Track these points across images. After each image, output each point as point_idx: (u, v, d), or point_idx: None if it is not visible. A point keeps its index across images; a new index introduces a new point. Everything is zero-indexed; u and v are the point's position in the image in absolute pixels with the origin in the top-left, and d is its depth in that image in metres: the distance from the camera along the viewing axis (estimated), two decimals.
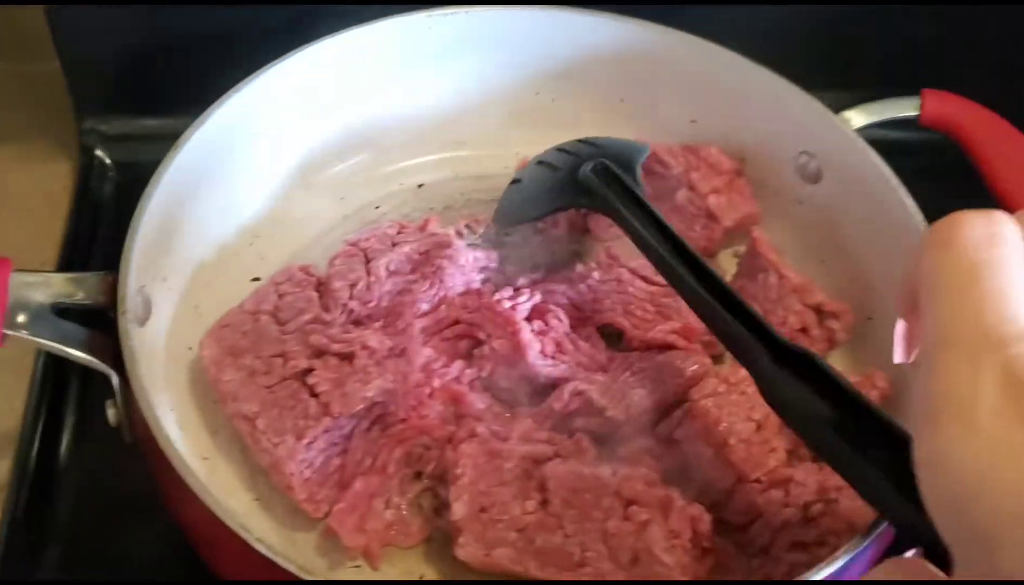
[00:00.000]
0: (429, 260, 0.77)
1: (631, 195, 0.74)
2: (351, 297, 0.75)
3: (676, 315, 0.77)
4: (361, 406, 0.69)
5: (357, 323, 0.75)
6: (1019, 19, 0.94)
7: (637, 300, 0.78)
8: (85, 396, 0.80)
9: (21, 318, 0.64)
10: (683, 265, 0.68)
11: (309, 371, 0.70)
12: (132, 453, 0.68)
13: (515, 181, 0.81)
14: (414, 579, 0.69)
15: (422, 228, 0.79)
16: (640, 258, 0.78)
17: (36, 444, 0.77)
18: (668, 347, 0.76)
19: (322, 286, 0.75)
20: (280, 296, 0.74)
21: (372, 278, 0.75)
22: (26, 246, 0.87)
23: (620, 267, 0.79)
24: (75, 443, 0.79)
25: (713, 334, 0.67)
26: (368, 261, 0.76)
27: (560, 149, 0.81)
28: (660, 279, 0.78)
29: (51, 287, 0.67)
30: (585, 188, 0.76)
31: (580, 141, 0.81)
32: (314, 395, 0.69)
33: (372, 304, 0.75)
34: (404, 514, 0.71)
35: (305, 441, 0.67)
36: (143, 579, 0.71)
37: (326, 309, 0.74)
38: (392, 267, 0.76)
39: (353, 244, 0.77)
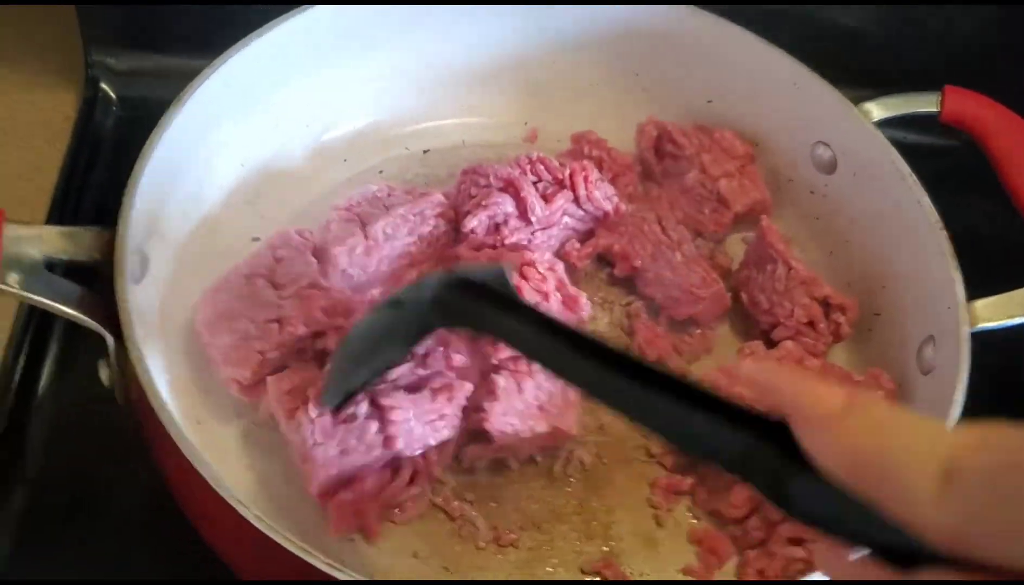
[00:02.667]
0: (425, 221, 0.76)
1: (508, 301, 0.59)
2: (350, 263, 0.73)
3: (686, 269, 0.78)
4: None
5: (356, 289, 0.73)
6: None
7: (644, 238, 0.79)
8: (68, 342, 0.78)
9: (14, 274, 0.61)
10: (596, 361, 0.52)
11: (311, 337, 0.68)
12: (110, 403, 0.67)
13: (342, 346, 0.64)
14: (407, 556, 0.67)
15: (411, 191, 0.77)
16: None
17: (13, 389, 0.75)
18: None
19: (318, 251, 0.73)
20: (276, 260, 0.71)
21: (371, 242, 0.74)
22: (22, 176, 0.84)
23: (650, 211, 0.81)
24: (53, 389, 0.76)
25: (654, 433, 0.49)
26: (364, 225, 0.74)
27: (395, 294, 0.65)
28: (673, 233, 0.79)
29: (44, 242, 0.64)
30: (443, 308, 0.61)
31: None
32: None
33: (372, 270, 0.74)
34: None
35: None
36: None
37: (324, 275, 0.72)
38: (389, 230, 0.74)
39: (346, 209, 0.75)
